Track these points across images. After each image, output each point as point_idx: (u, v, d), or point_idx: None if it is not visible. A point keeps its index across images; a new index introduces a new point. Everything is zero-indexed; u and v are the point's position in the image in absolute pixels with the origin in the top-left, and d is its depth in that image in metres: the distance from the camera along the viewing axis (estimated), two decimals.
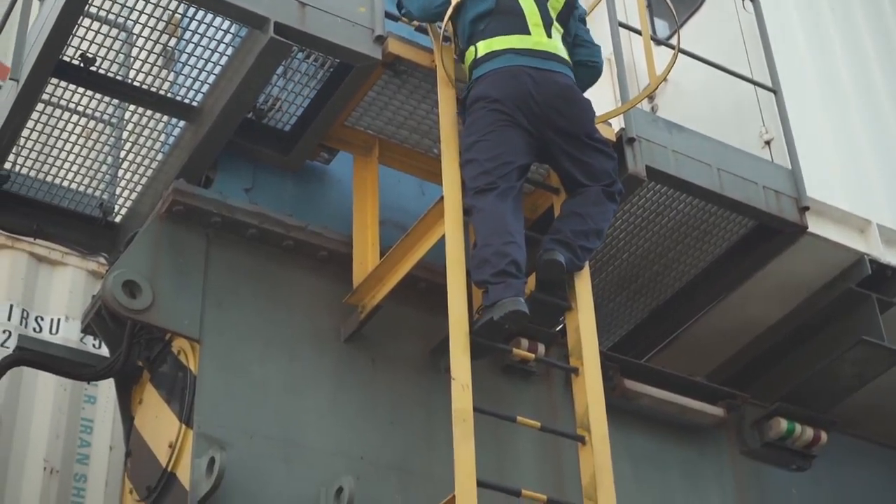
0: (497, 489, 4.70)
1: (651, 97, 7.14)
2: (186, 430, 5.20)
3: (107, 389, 7.23)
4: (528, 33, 5.42)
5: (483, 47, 5.41)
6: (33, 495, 6.90)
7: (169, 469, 5.22)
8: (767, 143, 6.63)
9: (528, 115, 5.27)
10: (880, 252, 6.53)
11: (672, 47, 6.14)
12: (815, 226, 6.34)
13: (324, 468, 5.26)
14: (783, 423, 6.53)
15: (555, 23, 5.54)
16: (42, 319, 7.52)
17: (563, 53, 5.50)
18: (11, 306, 7.39)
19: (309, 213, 5.90)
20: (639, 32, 6.47)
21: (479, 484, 4.48)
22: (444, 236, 5.06)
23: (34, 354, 5.88)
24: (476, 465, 4.50)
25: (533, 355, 5.47)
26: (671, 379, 6.38)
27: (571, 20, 5.71)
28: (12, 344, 6.78)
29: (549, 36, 5.47)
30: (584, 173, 5.37)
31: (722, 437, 6.57)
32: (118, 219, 6.25)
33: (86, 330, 6.01)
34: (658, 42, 6.94)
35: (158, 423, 5.46)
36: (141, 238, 5.50)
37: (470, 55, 5.45)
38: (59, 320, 7.55)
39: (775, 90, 6.69)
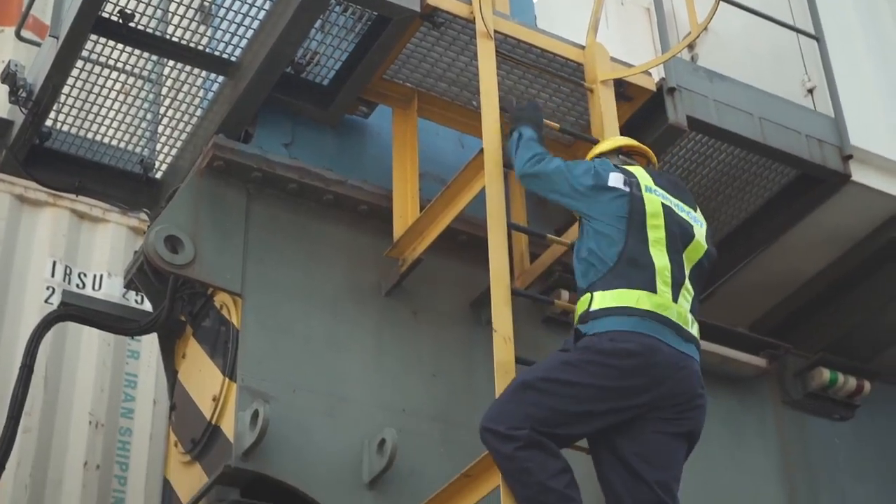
0: None
1: (691, 46, 7.06)
2: (230, 384, 5.24)
3: (150, 344, 7.29)
4: (655, 291, 4.50)
5: (599, 300, 4.50)
6: (79, 449, 6.99)
7: (213, 422, 5.27)
8: (810, 91, 6.55)
9: (650, 396, 4.41)
10: None
11: None
12: (859, 174, 6.27)
13: (366, 421, 5.29)
14: (826, 374, 6.52)
15: (686, 282, 4.61)
16: (85, 276, 7.58)
17: (696, 331, 4.61)
18: (54, 263, 7.46)
19: (348, 168, 5.90)
20: None
21: None
22: (484, 189, 5.04)
23: (78, 310, 5.93)
24: None
25: (574, 307, 5.45)
26: (713, 330, 6.34)
27: (699, 279, 4.74)
28: (56, 300, 6.85)
29: (676, 299, 4.52)
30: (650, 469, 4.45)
31: (764, 388, 6.56)
32: (159, 175, 6.28)
33: (129, 285, 6.06)
34: None
35: (202, 376, 5.51)
36: (182, 193, 5.52)
37: (583, 303, 4.57)
38: (101, 276, 7.61)
39: (818, 37, 6.60)
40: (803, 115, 6.32)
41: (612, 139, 5.19)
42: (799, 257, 6.62)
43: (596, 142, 5.46)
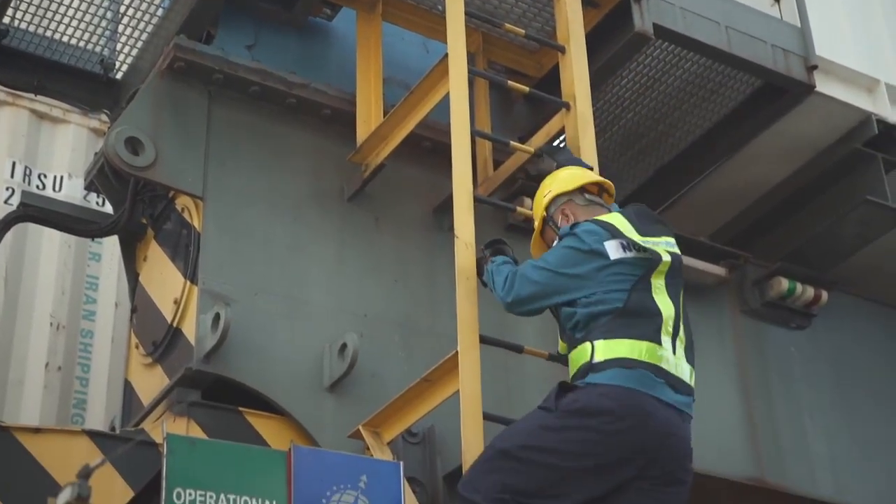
0: (500, 345, 4.75)
1: None
2: (191, 287, 5.24)
3: (111, 247, 7.26)
4: (660, 343, 4.15)
5: (603, 350, 4.11)
6: (41, 351, 6.99)
7: (174, 325, 5.28)
8: (777, 0, 6.51)
9: (636, 465, 4.05)
10: (888, 112, 6.47)
11: None
12: (823, 85, 6.27)
13: (328, 325, 5.31)
14: (784, 283, 6.59)
15: (681, 329, 4.26)
16: (45, 177, 7.52)
17: (693, 380, 4.27)
18: (14, 163, 7.38)
19: (312, 71, 5.84)
20: None
21: (482, 340, 4.52)
22: (448, 94, 5.00)
23: (38, 211, 5.88)
24: (479, 322, 4.54)
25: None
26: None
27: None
28: (16, 201, 6.79)
29: (675, 351, 4.19)
30: None
31: (723, 297, 6.63)
32: (119, 75, 6.20)
33: (89, 187, 6.01)
34: None
35: (163, 279, 5.50)
36: (142, 95, 5.47)
37: (583, 353, 4.17)
38: (61, 178, 7.55)
39: None
40: (769, 24, 6.30)
41: (572, 176, 4.65)
42: (761, 167, 6.65)
43: (562, 49, 5.42)
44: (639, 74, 6.28)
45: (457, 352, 4.46)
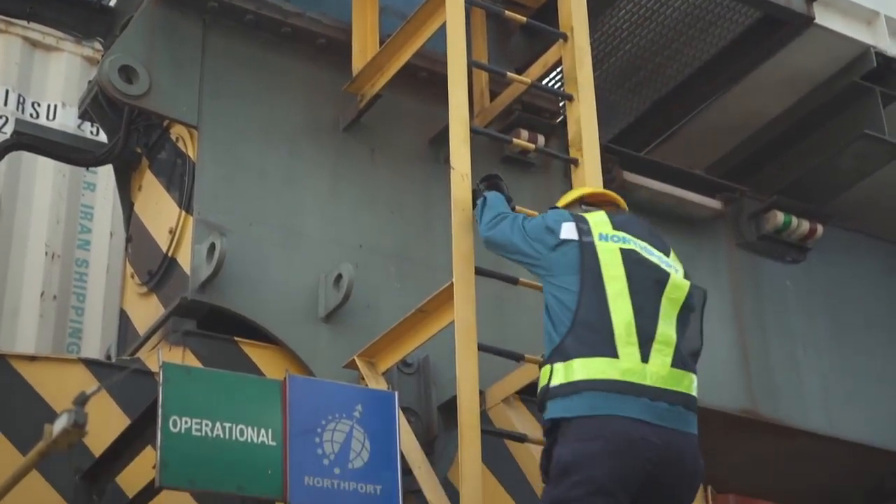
0: (495, 277, 4.75)
1: None
2: (186, 217, 5.23)
3: (106, 177, 7.24)
4: (616, 355, 3.92)
5: (558, 374, 3.94)
6: (36, 280, 6.99)
7: (170, 254, 5.28)
8: None
9: (632, 491, 3.85)
10: (887, 44, 6.44)
11: None
12: (822, 17, 6.22)
13: (323, 256, 5.31)
14: (780, 216, 6.59)
15: (661, 334, 4.00)
16: (38, 105, 7.47)
17: (687, 385, 4.00)
18: (7, 91, 7.33)
19: (307, 0, 5.78)
20: None
21: (477, 272, 4.53)
22: (444, 24, 4.96)
23: (32, 139, 5.86)
24: (474, 253, 4.54)
25: (533, 146, 5.45)
26: (670, 171, 6.39)
27: (692, 321, 4.20)
28: (9, 129, 6.75)
29: (646, 358, 3.94)
30: None
31: (719, 230, 6.63)
32: (113, 2, 6.14)
33: (83, 115, 5.98)
34: None
35: (158, 209, 5.49)
36: (136, 22, 5.42)
37: (545, 375, 4.01)
38: (55, 106, 7.50)
39: None
40: None
41: (573, 191, 4.67)
42: (760, 100, 6.62)
43: None
44: (637, 5, 6.23)
45: (452, 283, 4.47)
